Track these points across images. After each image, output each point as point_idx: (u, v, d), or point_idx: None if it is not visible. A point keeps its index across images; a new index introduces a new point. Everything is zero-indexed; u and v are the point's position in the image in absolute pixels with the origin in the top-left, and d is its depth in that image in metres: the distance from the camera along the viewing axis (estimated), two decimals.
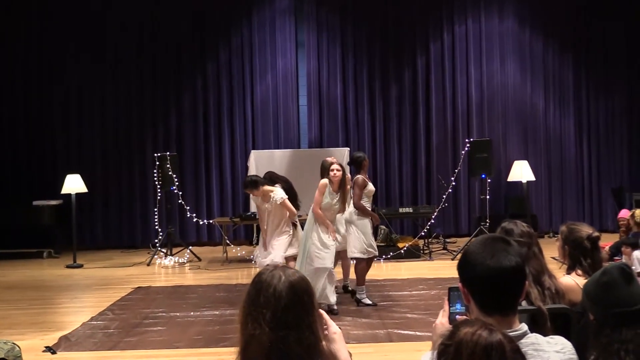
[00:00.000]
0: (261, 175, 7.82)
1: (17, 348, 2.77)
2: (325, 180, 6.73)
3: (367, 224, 7.03)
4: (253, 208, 10.27)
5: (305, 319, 1.91)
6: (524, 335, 1.89)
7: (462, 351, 1.50)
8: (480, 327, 1.51)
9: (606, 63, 12.01)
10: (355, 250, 6.98)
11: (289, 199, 7.21)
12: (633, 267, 6.77)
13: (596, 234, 3.36)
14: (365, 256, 7.00)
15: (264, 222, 7.20)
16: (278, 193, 7.07)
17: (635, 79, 12.09)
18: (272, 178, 7.63)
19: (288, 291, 1.91)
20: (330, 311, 6.51)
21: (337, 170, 6.70)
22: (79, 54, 11.59)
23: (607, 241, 7.53)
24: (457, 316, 2.05)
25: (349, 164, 7.48)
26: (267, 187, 7.12)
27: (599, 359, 2.29)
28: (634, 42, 12.02)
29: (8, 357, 2.66)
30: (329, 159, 7.04)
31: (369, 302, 6.98)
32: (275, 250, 6.99)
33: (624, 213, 8.46)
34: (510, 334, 1.84)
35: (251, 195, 7.52)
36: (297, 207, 7.50)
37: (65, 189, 10.14)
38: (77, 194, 10.20)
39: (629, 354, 2.23)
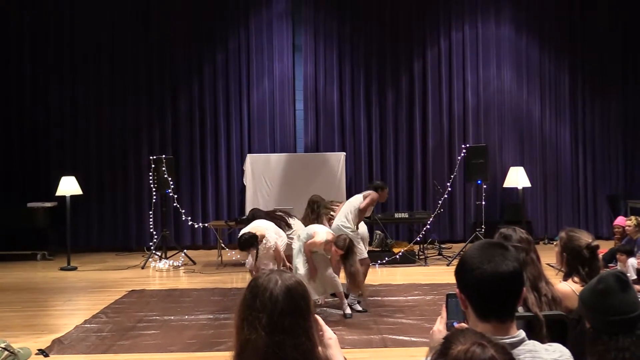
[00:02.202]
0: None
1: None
2: (321, 240, 6.54)
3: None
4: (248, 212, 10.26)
5: (302, 324, 1.89)
6: (521, 342, 1.88)
7: None
8: (472, 344, 1.50)
9: (602, 70, 12.05)
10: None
11: (278, 219, 7.41)
12: (628, 275, 6.79)
13: (595, 243, 3.35)
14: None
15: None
16: (271, 239, 6.93)
17: (631, 87, 12.14)
18: (255, 216, 7.69)
19: (284, 295, 1.90)
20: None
21: (339, 255, 6.54)
22: (74, 55, 11.57)
23: (601, 248, 7.54)
24: (455, 323, 2.03)
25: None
26: (260, 235, 6.93)
27: None
28: (630, 50, 12.07)
29: None
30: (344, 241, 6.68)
31: (359, 308, 6.99)
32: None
33: (620, 220, 8.48)
34: (507, 340, 1.84)
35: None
36: (289, 226, 7.64)
37: (60, 191, 10.11)
38: (72, 196, 10.17)
39: None
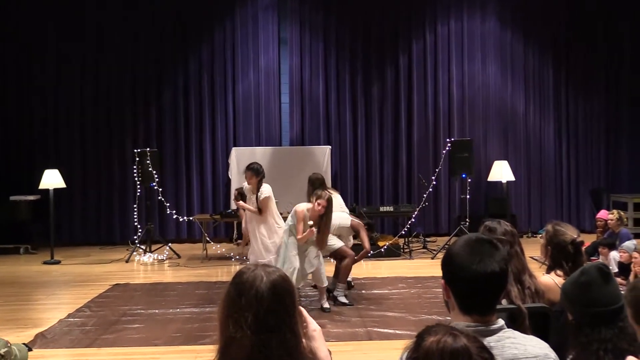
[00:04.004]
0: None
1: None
2: (302, 209, 6.53)
3: None
4: (233, 206, 10.23)
5: (287, 321, 1.88)
6: (500, 329, 1.93)
7: None
8: (444, 334, 1.51)
9: (586, 65, 12.13)
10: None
11: None
12: (610, 268, 6.86)
13: (580, 238, 3.39)
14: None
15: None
16: (266, 190, 7.32)
17: (614, 82, 12.23)
18: None
19: (270, 292, 1.87)
20: (328, 290, 6.92)
21: (322, 207, 6.41)
22: (58, 48, 11.44)
23: (584, 241, 7.61)
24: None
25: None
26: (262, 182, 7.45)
27: (578, 359, 2.31)
28: (613, 45, 12.16)
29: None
30: (324, 192, 6.63)
31: (345, 300, 6.99)
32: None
33: (602, 214, 8.55)
34: (489, 327, 1.89)
35: (245, 183, 7.59)
36: None
37: (43, 184, 10.01)
38: (56, 190, 10.08)
39: (608, 353, 2.25)
